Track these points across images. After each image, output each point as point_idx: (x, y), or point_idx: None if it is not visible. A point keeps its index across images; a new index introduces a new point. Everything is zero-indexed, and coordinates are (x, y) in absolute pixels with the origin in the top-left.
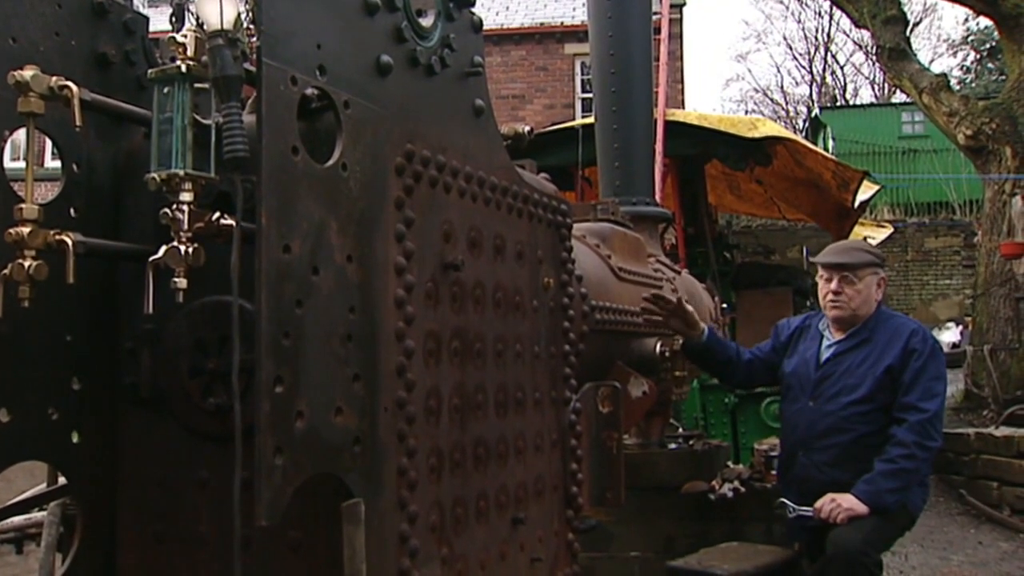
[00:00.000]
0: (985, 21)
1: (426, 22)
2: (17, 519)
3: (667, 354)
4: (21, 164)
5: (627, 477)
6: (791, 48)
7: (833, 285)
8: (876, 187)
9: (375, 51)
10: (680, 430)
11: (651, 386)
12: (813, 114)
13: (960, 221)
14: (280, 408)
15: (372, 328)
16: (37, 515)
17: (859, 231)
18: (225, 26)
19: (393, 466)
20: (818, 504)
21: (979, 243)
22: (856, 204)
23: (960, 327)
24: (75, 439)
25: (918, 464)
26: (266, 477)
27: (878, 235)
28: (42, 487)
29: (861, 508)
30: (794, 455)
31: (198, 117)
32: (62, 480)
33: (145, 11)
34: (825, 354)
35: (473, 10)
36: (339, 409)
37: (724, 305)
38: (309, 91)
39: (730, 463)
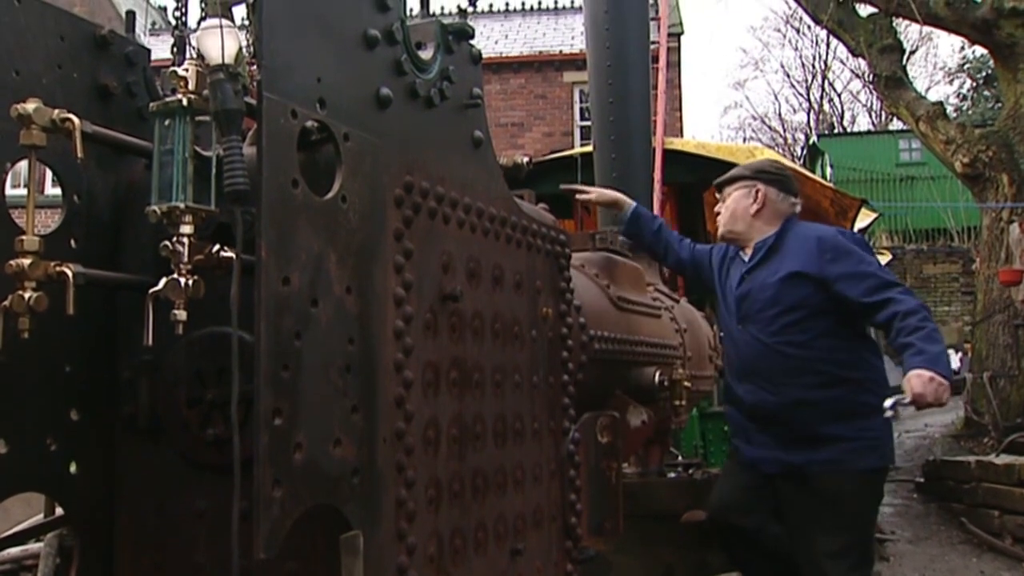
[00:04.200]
0: (981, 49)
1: (425, 55)
2: (14, 550)
3: (666, 383)
4: (21, 191)
5: (626, 506)
6: (789, 76)
7: (716, 207)
8: (874, 214)
9: (375, 84)
10: (679, 458)
11: (650, 415)
12: (811, 141)
13: (958, 248)
14: (279, 440)
15: (371, 359)
16: (34, 546)
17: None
18: (226, 60)
19: (392, 497)
20: (916, 390)
21: (977, 270)
22: (855, 231)
23: (959, 354)
24: (73, 470)
25: (933, 323)
26: (264, 509)
27: None
28: (39, 518)
29: (942, 379)
30: (736, 385)
31: (199, 149)
32: (59, 511)
33: (147, 39)
34: (742, 274)
35: (472, 42)
36: (338, 440)
37: (722, 333)
38: (309, 124)
39: None
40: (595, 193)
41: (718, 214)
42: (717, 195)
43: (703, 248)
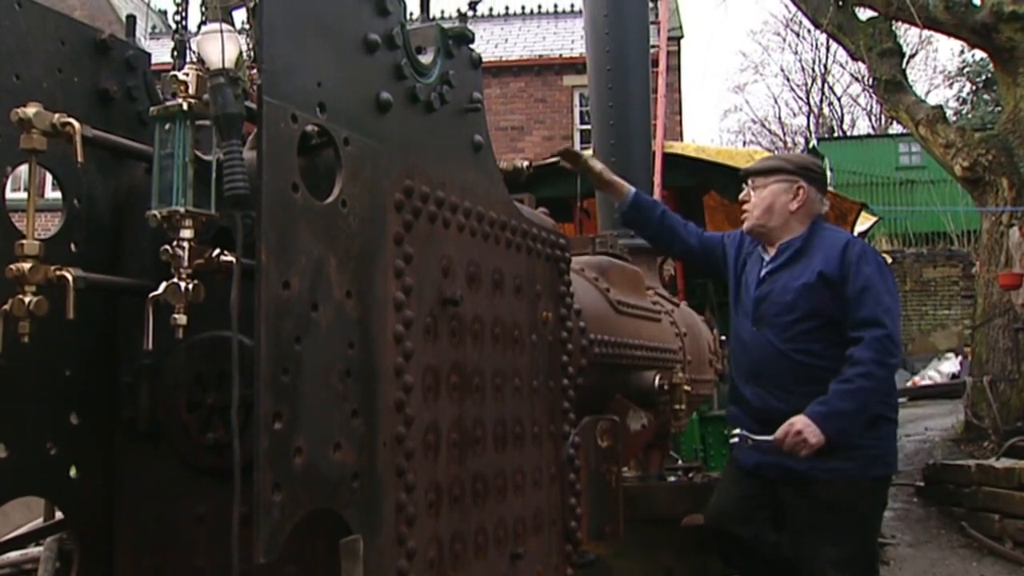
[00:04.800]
0: (980, 53)
1: (426, 59)
2: (13, 554)
3: (666, 387)
4: (21, 195)
5: (626, 510)
6: (788, 80)
7: (742, 194)
8: (874, 218)
9: (375, 88)
10: (679, 462)
11: (650, 419)
12: (811, 145)
13: (958, 251)
14: (279, 444)
15: (371, 363)
16: (33, 550)
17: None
18: (226, 65)
19: (392, 501)
20: (778, 434)
21: (977, 274)
22: (854, 235)
23: (959, 358)
24: (73, 474)
25: (877, 383)
26: (264, 513)
27: None
28: (39, 522)
29: (816, 438)
30: (743, 386)
31: (199, 153)
32: (59, 515)
33: (147, 43)
34: (761, 273)
35: (472, 47)
36: (338, 445)
37: (723, 337)
38: (309, 128)
39: None
40: (599, 168)
41: (744, 202)
42: (746, 184)
43: (714, 234)
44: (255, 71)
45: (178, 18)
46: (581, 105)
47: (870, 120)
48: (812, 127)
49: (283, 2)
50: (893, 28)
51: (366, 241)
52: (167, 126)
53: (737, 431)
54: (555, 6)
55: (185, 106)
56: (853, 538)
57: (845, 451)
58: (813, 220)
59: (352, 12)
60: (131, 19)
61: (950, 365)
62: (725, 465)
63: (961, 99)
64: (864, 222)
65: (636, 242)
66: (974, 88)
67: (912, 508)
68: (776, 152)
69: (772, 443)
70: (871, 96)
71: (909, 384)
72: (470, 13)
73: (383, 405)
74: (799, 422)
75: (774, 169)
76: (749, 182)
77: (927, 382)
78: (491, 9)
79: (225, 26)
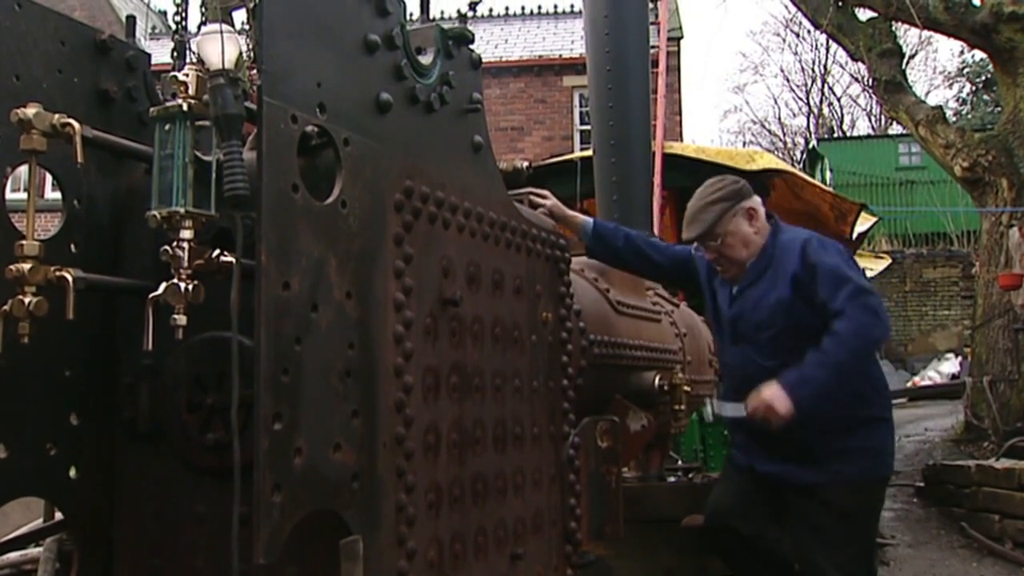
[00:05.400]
0: (980, 53)
1: (425, 60)
2: (13, 555)
3: (666, 387)
4: (21, 196)
5: (626, 510)
6: (788, 80)
7: (708, 255)
8: (874, 219)
9: (375, 89)
10: (679, 463)
11: (650, 419)
12: (811, 145)
13: (958, 252)
14: (279, 445)
15: (371, 364)
16: (33, 551)
17: (857, 262)
18: (226, 65)
19: (392, 502)
20: (748, 409)
21: (977, 274)
22: (854, 235)
23: (959, 358)
24: (73, 474)
25: (854, 356)
26: (264, 514)
27: (876, 266)
28: (38, 522)
29: (786, 408)
30: (739, 398)
31: (199, 154)
32: (59, 515)
33: (147, 43)
34: (733, 292)
35: (472, 47)
36: (338, 445)
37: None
38: (309, 128)
39: None
40: (551, 203)
41: (716, 260)
42: (705, 245)
43: (682, 249)
44: (255, 71)
45: (178, 18)
46: (581, 106)
47: (870, 120)
48: (812, 127)
49: (283, 3)
50: (893, 28)
51: (366, 241)
52: (167, 127)
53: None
54: (555, 7)
55: (185, 107)
56: (852, 539)
57: (844, 455)
58: (770, 230)
59: (352, 13)
60: (131, 20)
61: (950, 365)
62: (723, 464)
63: (961, 99)
64: (864, 222)
65: None
66: (974, 88)
67: (912, 509)
68: (776, 153)
69: (747, 413)
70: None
71: (909, 384)
72: (470, 13)
73: (383, 406)
74: (766, 390)
75: (720, 215)
76: (711, 240)
77: (927, 382)
78: (491, 9)
79: (225, 27)
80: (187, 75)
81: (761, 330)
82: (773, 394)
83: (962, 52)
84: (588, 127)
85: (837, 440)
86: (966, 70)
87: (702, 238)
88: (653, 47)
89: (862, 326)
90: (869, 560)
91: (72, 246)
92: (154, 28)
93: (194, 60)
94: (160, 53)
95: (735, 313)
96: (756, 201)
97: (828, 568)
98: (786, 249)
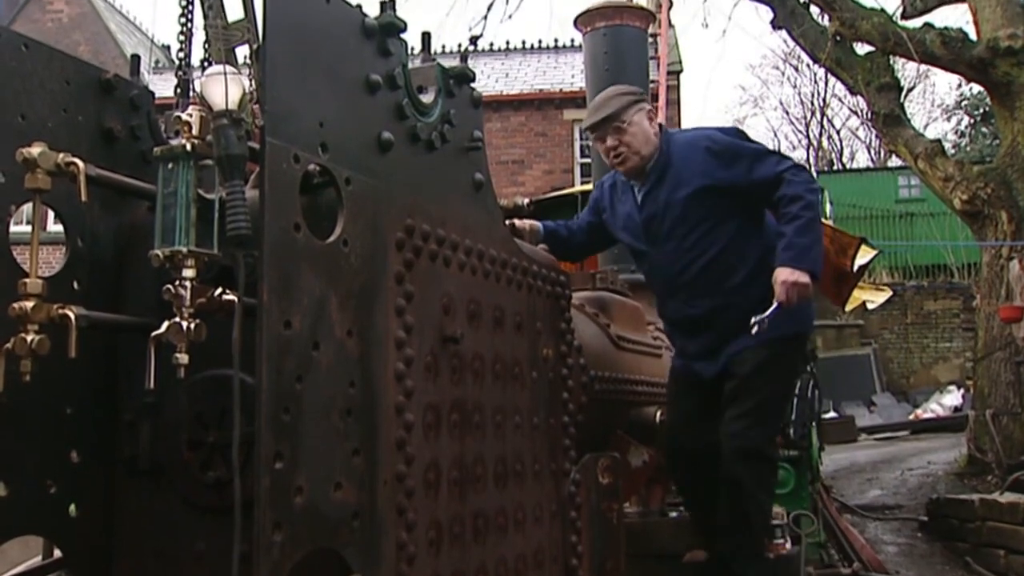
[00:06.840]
0: (978, 86)
1: (427, 99)
2: None
3: None
4: (24, 228)
5: (628, 546)
6: (787, 113)
7: (609, 142)
8: (874, 251)
9: (377, 128)
10: (681, 498)
11: (651, 455)
12: None
13: (959, 284)
14: (280, 483)
15: (372, 402)
16: None
17: (858, 295)
18: (230, 106)
19: (392, 540)
20: (780, 297)
21: (978, 307)
22: (855, 268)
23: (962, 390)
24: (73, 512)
25: (816, 211)
26: (264, 552)
27: (878, 298)
28: (37, 560)
29: (804, 278)
30: (664, 303)
31: (201, 192)
32: (58, 553)
33: (151, 78)
34: (639, 200)
35: (473, 86)
36: (338, 484)
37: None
38: (311, 168)
39: None
40: (527, 226)
41: (615, 147)
42: (607, 130)
43: (587, 211)
44: (257, 106)
45: (182, 54)
46: (581, 139)
47: (869, 153)
48: (811, 160)
49: (285, 44)
50: (891, 63)
51: (367, 280)
52: (170, 166)
53: (757, 317)
54: (555, 41)
55: (188, 146)
56: (756, 393)
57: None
58: (661, 133)
59: (354, 53)
60: (135, 58)
61: (952, 398)
62: (668, 383)
63: (959, 132)
64: (864, 255)
65: (636, 277)
66: (972, 121)
67: (916, 543)
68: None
69: (778, 311)
70: (870, 129)
71: (911, 417)
72: (471, 48)
73: (384, 444)
74: (782, 276)
75: (628, 104)
76: (606, 130)
77: (929, 415)
78: (492, 44)
79: (229, 68)
80: (191, 115)
81: (676, 227)
82: (789, 275)
83: (960, 85)
84: (588, 160)
85: (760, 310)
86: (964, 103)
87: (608, 120)
88: (652, 81)
89: (806, 180)
90: (770, 416)
91: (75, 283)
92: (157, 62)
93: (197, 97)
94: (163, 88)
95: (647, 216)
96: (653, 107)
97: (727, 422)
98: (685, 147)
